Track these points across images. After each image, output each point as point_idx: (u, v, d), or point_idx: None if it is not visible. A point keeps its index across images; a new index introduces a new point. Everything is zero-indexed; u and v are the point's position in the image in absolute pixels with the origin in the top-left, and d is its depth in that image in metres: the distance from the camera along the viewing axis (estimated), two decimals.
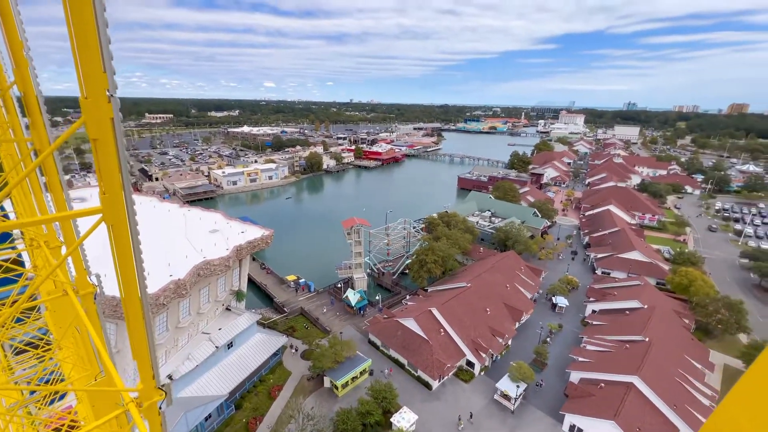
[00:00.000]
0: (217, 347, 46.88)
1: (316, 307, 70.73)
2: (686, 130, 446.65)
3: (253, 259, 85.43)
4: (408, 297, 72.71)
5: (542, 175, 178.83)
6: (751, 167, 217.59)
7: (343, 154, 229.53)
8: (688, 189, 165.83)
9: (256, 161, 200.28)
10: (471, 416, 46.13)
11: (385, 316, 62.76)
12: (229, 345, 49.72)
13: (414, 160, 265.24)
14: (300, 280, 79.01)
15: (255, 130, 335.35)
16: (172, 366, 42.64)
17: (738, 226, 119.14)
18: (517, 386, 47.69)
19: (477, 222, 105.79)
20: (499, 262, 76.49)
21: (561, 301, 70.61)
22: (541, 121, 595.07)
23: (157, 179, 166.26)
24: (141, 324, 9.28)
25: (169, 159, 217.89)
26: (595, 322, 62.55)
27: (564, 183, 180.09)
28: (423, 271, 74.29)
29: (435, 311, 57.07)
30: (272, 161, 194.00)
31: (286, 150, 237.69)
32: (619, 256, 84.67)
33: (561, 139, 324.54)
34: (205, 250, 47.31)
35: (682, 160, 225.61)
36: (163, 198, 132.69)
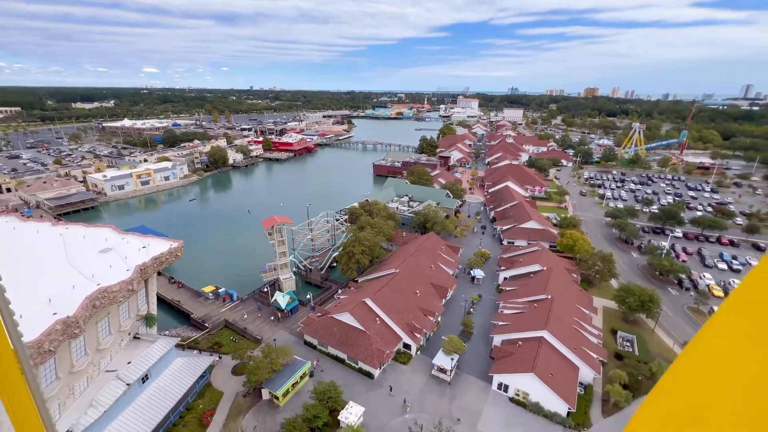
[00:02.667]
0: (128, 384, 40.50)
1: (242, 316, 65.82)
2: (557, 111, 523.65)
3: (159, 274, 75.17)
4: (340, 291, 72.28)
5: (449, 157, 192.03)
6: (605, 141, 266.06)
7: (251, 147, 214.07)
8: (564, 162, 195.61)
9: (146, 160, 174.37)
10: (405, 401, 47.80)
11: (319, 314, 61.50)
12: (144, 378, 43.38)
13: (327, 149, 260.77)
14: (220, 290, 72.40)
15: (140, 123, 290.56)
16: (71, 418, 35.59)
17: (601, 191, 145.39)
18: (452, 359, 51.66)
19: (397, 208, 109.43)
20: (422, 244, 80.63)
21: (478, 273, 77.94)
22: (442, 106, 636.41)
23: (9, 190, 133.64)
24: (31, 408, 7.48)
25: (24, 163, 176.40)
26: (508, 288, 70.67)
27: (468, 164, 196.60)
28: (352, 263, 74.43)
29: (369, 301, 57.89)
30: (167, 159, 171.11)
31: (183, 145, 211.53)
32: (519, 226, 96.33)
33: (461, 122, 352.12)
34: (99, 274, 39.85)
35: (557, 137, 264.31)
36: (23, 214, 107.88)
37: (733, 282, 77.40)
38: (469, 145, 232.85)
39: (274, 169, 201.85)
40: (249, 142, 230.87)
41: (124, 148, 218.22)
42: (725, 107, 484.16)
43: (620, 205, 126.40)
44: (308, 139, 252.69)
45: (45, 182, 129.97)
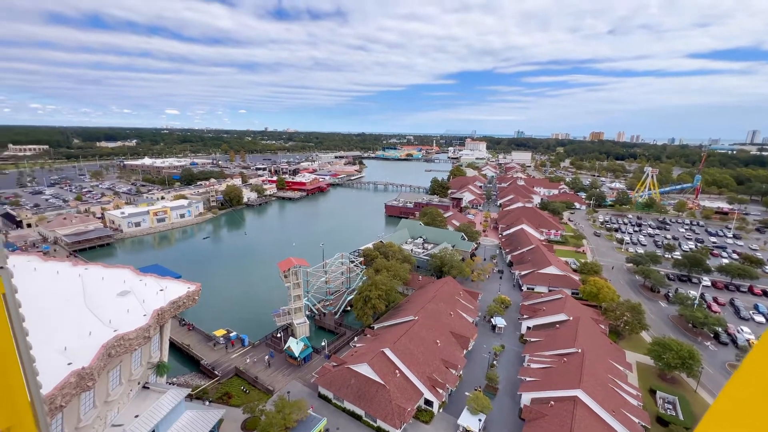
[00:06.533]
0: None
1: (253, 364, 62.78)
2: (564, 154, 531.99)
3: None
4: (356, 338, 69.14)
5: (461, 199, 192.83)
6: (617, 184, 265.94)
7: (265, 186, 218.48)
8: (577, 205, 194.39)
9: (163, 198, 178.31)
10: None
11: (334, 364, 58.32)
12: None
13: (339, 189, 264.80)
14: (231, 334, 69.86)
15: (159, 162, 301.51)
16: None
17: (618, 235, 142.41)
18: (479, 419, 47.62)
19: (412, 250, 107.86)
20: (440, 289, 78.05)
21: (499, 321, 74.39)
22: (451, 148, 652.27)
23: (29, 225, 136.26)
24: None
25: (46, 199, 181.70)
26: (532, 339, 66.86)
27: (480, 205, 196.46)
28: (368, 308, 71.83)
29: (388, 352, 54.88)
30: (183, 197, 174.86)
31: (199, 184, 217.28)
32: (539, 271, 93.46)
33: (470, 164, 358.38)
34: (116, 320, 38.57)
35: (567, 180, 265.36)
36: (42, 250, 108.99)
37: None
38: (480, 186, 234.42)
39: (287, 207, 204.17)
40: (263, 181, 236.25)
41: (143, 186, 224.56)
42: (734, 152, 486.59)
43: (640, 250, 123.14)
44: (321, 179, 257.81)
45: (65, 218, 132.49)
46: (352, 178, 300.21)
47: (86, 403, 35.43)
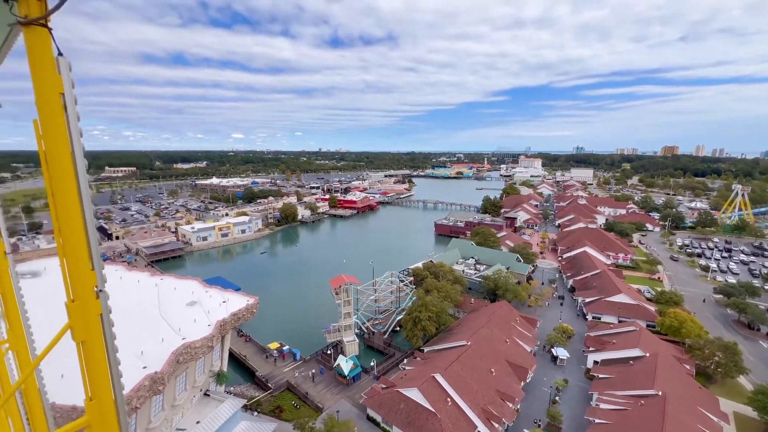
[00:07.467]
0: None
1: (304, 379, 63.69)
2: (632, 171, 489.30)
3: None
4: (405, 361, 67.46)
5: (515, 218, 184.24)
6: (698, 204, 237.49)
7: (318, 204, 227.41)
8: (648, 226, 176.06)
9: (227, 214, 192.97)
10: None
11: (384, 386, 57.13)
12: None
13: (388, 207, 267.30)
14: (284, 347, 71.90)
15: (224, 181, 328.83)
16: None
17: (702, 261, 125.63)
18: None
19: (463, 270, 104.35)
20: (494, 313, 73.97)
21: (561, 352, 68.24)
22: (503, 166, 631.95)
23: (117, 238, 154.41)
24: None
25: (132, 215, 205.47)
26: (601, 375, 60.21)
27: (535, 225, 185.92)
28: (417, 329, 70.13)
29: (439, 377, 52.59)
30: (245, 214, 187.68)
31: (259, 201, 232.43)
32: (606, 299, 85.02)
33: (525, 182, 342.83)
34: (184, 328, 41.45)
35: (636, 199, 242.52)
36: (126, 260, 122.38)
37: None
38: (536, 205, 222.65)
39: (338, 225, 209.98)
40: (317, 199, 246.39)
41: (210, 203, 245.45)
42: None
43: (731, 279, 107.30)
44: (371, 197, 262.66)
45: (146, 232, 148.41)
46: (402, 196, 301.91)
47: (156, 406, 38.05)
